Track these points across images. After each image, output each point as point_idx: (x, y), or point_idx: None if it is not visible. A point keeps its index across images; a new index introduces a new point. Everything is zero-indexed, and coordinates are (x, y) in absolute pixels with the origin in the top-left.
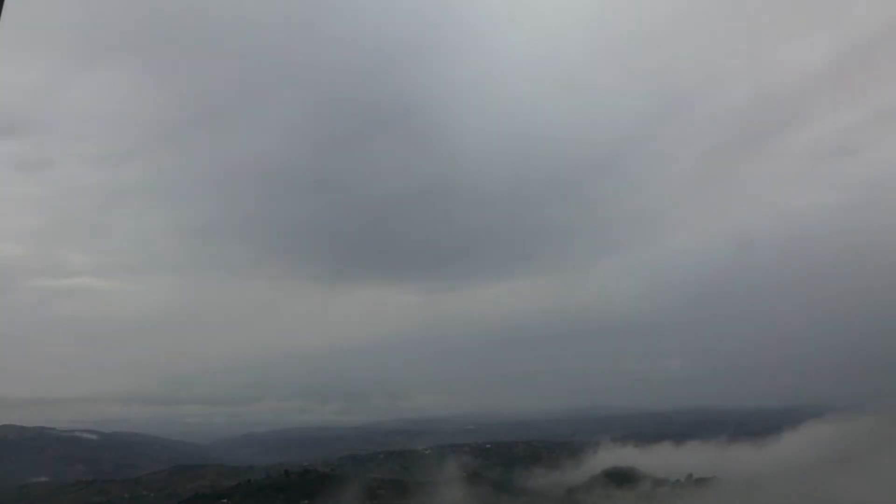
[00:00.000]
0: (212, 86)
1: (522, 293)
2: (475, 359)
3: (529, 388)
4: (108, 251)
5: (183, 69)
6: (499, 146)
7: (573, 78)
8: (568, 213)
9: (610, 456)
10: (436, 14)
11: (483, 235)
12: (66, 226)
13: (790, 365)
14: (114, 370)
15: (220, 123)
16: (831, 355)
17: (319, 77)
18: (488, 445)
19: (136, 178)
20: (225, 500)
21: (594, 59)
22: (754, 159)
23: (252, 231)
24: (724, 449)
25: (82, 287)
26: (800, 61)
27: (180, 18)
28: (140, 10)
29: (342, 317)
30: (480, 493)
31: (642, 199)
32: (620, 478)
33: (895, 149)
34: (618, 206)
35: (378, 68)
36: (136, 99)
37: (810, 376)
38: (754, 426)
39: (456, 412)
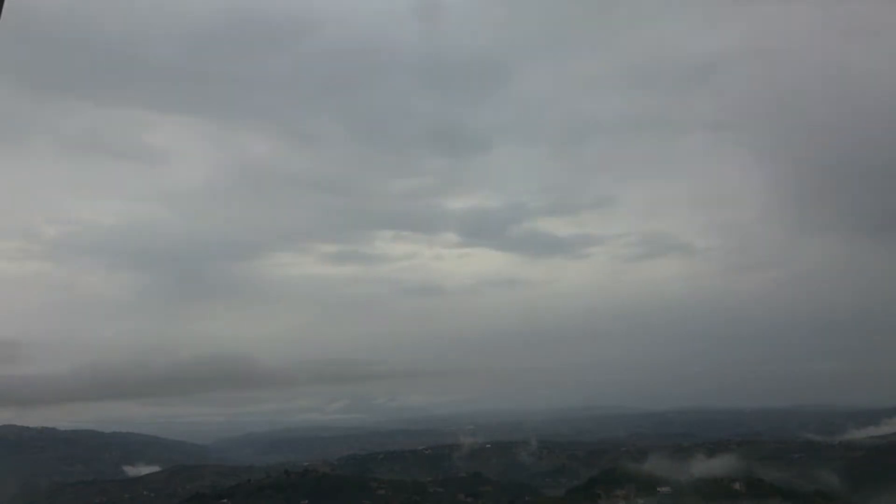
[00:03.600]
0: None
1: None
2: None
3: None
4: None
5: None
6: None
7: None
8: None
9: (609, 456)
10: None
11: None
12: None
13: None
14: None
15: None
16: None
17: None
18: (488, 445)
19: None
20: (225, 500)
21: None
22: None
23: None
24: None
25: None
26: None
27: None
28: None
29: None
30: (482, 493)
31: None
32: (620, 480)
33: None
34: None
35: None
36: None
37: None
38: None
39: (455, 411)
